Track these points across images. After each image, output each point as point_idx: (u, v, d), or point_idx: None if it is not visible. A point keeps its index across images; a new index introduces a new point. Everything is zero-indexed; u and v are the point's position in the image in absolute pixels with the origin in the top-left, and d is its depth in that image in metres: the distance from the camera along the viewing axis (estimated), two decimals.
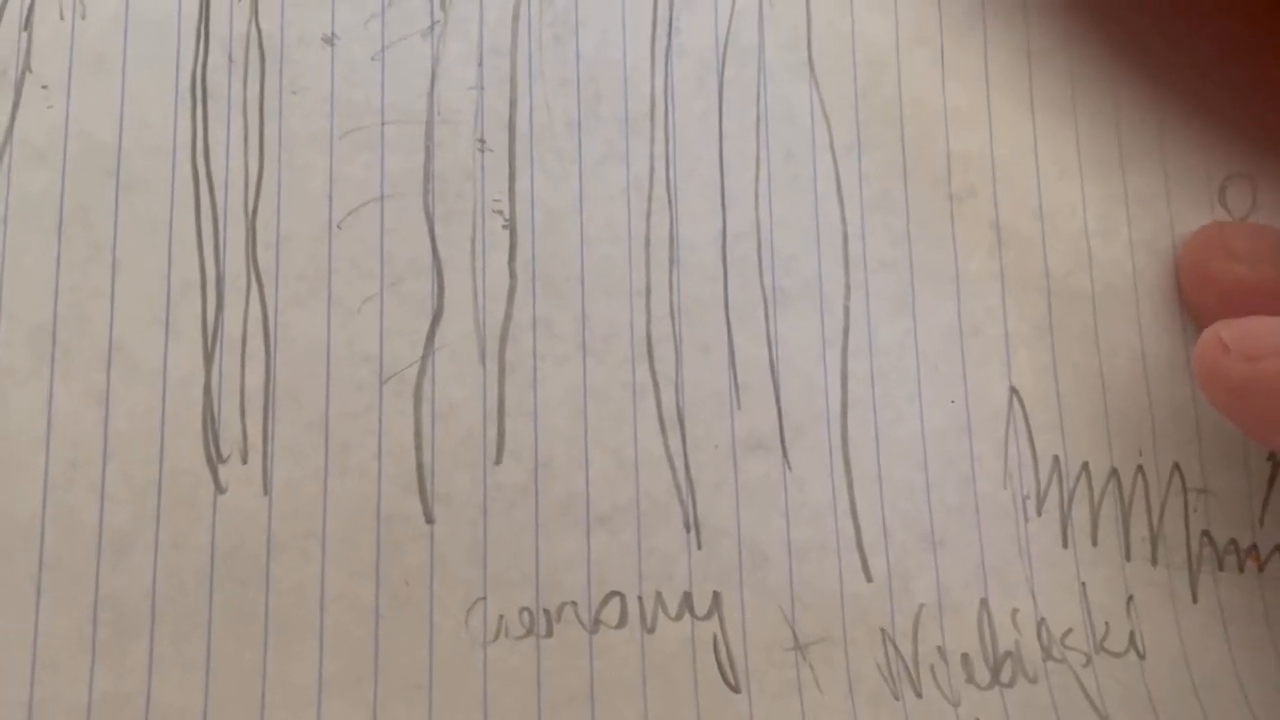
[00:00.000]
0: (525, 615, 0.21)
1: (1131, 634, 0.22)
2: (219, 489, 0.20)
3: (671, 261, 0.22)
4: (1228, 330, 0.20)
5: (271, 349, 0.21)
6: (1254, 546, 0.23)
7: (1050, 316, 0.23)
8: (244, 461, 0.20)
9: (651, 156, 0.22)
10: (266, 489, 0.20)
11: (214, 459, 0.20)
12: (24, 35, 0.21)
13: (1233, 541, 0.23)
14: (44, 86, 0.21)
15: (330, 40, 0.22)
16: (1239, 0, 0.23)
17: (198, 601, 0.20)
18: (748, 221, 0.23)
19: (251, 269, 0.21)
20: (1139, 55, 0.24)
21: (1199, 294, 0.23)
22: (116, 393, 0.20)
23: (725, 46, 0.23)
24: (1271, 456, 0.23)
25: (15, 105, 0.21)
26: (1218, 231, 0.23)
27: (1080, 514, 0.22)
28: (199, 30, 0.21)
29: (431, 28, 0.22)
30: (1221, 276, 0.22)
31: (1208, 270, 0.23)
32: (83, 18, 0.21)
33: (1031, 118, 0.24)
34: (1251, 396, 0.20)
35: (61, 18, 0.21)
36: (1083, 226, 0.23)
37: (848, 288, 0.23)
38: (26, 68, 0.21)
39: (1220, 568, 0.23)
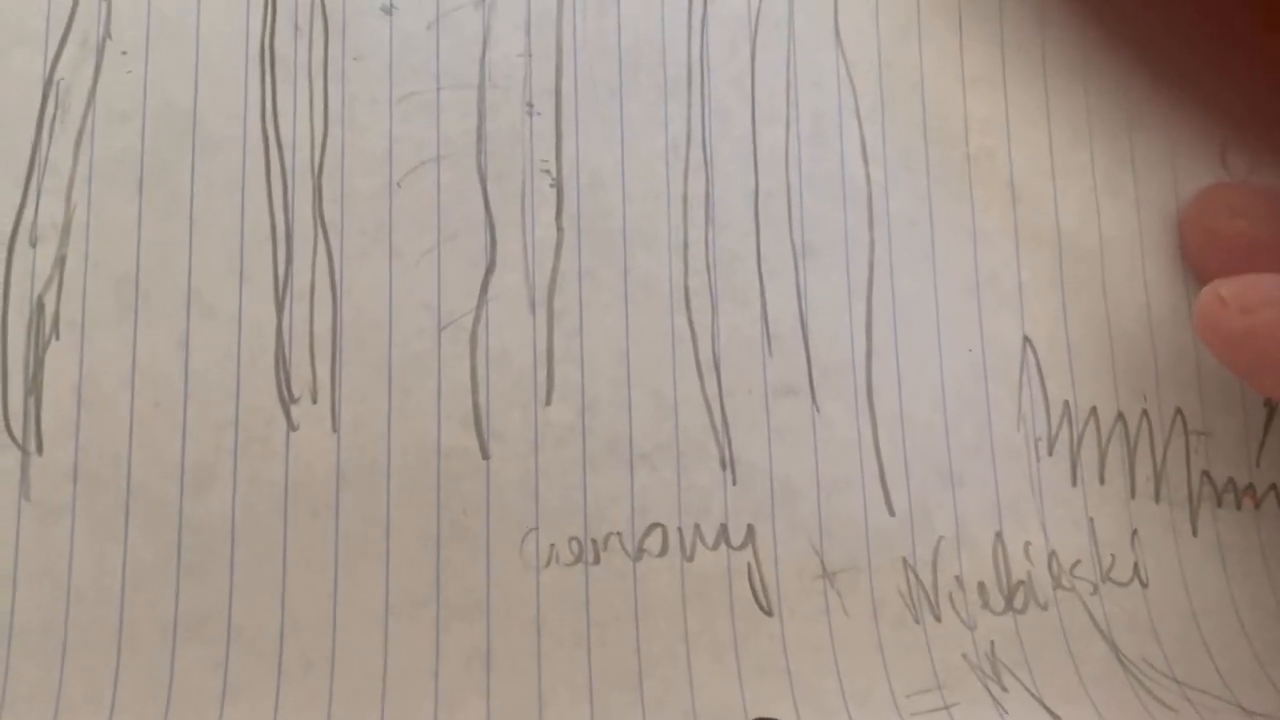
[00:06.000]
0: (574, 544, 0.22)
1: (1135, 565, 0.24)
2: (291, 426, 0.22)
3: (707, 218, 0.24)
4: (1225, 286, 0.22)
5: (338, 297, 0.22)
6: (1251, 485, 0.24)
7: (1061, 269, 0.24)
8: (314, 401, 0.22)
9: (689, 120, 0.24)
10: (335, 427, 0.22)
11: (286, 399, 0.22)
12: (104, 4, 0.22)
13: (1231, 480, 0.24)
14: (124, 52, 0.22)
15: (389, 10, 0.23)
16: None
17: (273, 529, 0.21)
18: (778, 180, 0.24)
19: (318, 223, 0.22)
20: (1149, 24, 0.25)
21: (1201, 249, 0.24)
22: (195, 337, 0.22)
23: (757, 16, 0.24)
24: (1268, 401, 0.24)
25: (97, 70, 0.22)
26: (1220, 191, 0.24)
27: (1089, 454, 0.24)
28: (267, 1, 0.23)
29: None
30: (1222, 232, 0.24)
31: (1210, 226, 0.24)
32: None
33: (1044, 83, 0.25)
34: (1247, 345, 0.22)
35: None
36: (1092, 186, 0.25)
37: (872, 243, 0.24)
38: (107, 34, 0.22)
39: (1219, 505, 0.24)
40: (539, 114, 0.24)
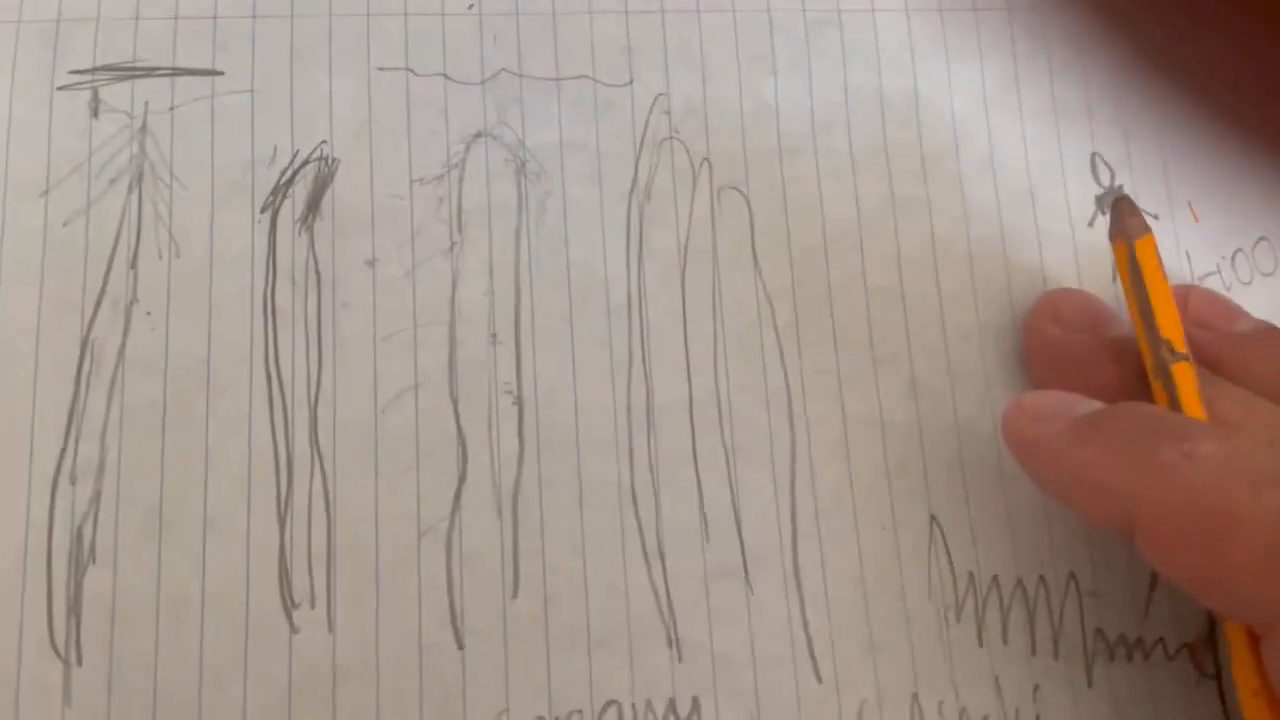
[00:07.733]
0: None
1: (1037, 717, 0.27)
2: (293, 629, 0.25)
3: (649, 425, 0.28)
4: (1027, 397, 0.25)
5: (331, 513, 0.26)
6: (1140, 639, 0.27)
7: (961, 455, 0.28)
8: (312, 606, 0.25)
9: (630, 341, 0.28)
10: (331, 628, 0.25)
11: (288, 605, 0.25)
12: (131, 272, 0.27)
13: (1121, 636, 0.27)
14: (148, 313, 0.27)
15: (371, 263, 0.27)
16: None
17: None
18: (709, 389, 0.28)
19: (314, 450, 0.26)
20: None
21: (1031, 355, 0.28)
22: (211, 556, 0.25)
23: (685, 250, 0.29)
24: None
25: (126, 329, 0.26)
26: (1052, 297, 0.28)
27: (992, 618, 0.27)
28: (268, 262, 0.27)
29: (451, 248, 0.28)
30: (1043, 338, 0.27)
31: (1035, 331, 0.28)
32: (177, 257, 0.27)
33: (938, 292, 0.29)
34: (1033, 450, 0.25)
35: (160, 257, 0.27)
36: (985, 381, 0.28)
37: (793, 440, 0.28)
38: (134, 298, 0.27)
39: (1111, 659, 0.27)
40: (501, 342, 0.28)
